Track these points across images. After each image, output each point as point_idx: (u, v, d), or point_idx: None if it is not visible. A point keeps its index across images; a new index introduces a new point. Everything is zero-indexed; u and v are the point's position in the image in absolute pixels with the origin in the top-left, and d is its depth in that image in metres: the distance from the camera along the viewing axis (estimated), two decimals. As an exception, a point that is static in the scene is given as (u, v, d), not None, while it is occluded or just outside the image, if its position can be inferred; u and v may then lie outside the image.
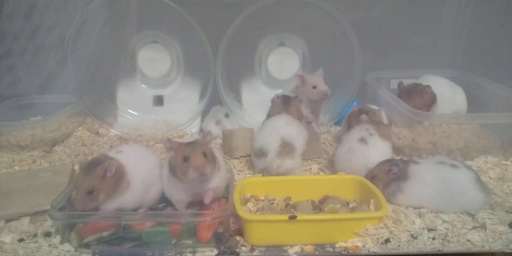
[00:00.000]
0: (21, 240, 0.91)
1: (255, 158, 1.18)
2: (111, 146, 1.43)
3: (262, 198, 1.03)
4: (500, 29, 1.60)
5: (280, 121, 1.19)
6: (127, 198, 0.94)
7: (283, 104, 1.23)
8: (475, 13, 1.70)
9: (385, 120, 1.24)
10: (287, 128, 1.18)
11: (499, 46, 1.61)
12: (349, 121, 1.26)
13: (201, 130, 1.58)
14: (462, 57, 1.75)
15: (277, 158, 1.13)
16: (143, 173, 0.98)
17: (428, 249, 0.87)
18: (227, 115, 1.52)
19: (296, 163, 1.16)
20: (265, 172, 1.16)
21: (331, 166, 1.27)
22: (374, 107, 1.29)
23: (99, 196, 0.90)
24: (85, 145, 1.45)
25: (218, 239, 0.89)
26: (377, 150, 1.13)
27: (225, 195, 1.02)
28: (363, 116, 1.20)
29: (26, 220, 0.97)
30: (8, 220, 0.97)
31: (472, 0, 1.69)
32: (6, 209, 0.99)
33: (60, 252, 0.87)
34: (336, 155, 1.18)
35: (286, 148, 1.14)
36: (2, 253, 0.87)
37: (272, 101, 1.25)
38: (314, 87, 1.30)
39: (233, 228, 0.94)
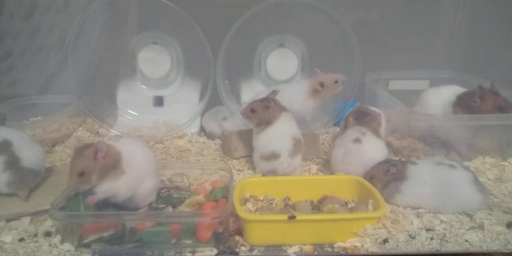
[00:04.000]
0: (21, 239, 0.91)
1: (263, 161, 1.17)
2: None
3: (261, 198, 1.03)
4: (498, 30, 1.61)
5: (285, 121, 1.19)
6: (121, 184, 0.93)
7: (279, 105, 1.22)
8: (473, 14, 1.71)
9: (383, 122, 1.24)
10: (293, 124, 1.20)
11: (497, 47, 1.62)
12: (347, 121, 1.26)
13: (201, 130, 1.59)
14: (459, 58, 1.76)
15: (289, 157, 1.15)
16: (139, 163, 0.97)
17: (426, 249, 0.88)
18: (225, 118, 1.53)
19: (301, 159, 1.20)
20: (272, 173, 1.16)
21: (330, 167, 1.28)
22: (374, 109, 1.30)
23: (91, 178, 0.90)
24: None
25: (217, 239, 0.90)
26: (373, 148, 1.14)
27: (225, 195, 1.02)
28: (350, 119, 1.22)
29: (26, 220, 0.98)
30: (9, 220, 0.98)
31: (470, 1, 1.70)
32: (7, 209, 0.99)
33: (60, 252, 0.87)
34: (333, 157, 1.18)
35: (298, 145, 1.16)
36: (2, 252, 0.87)
37: (267, 107, 1.18)
38: (336, 81, 1.34)
39: (233, 228, 0.94)
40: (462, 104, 1.27)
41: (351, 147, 1.14)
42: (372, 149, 1.13)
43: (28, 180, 1.05)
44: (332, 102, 1.43)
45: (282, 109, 1.21)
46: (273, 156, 1.15)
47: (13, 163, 1.03)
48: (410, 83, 1.65)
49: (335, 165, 1.17)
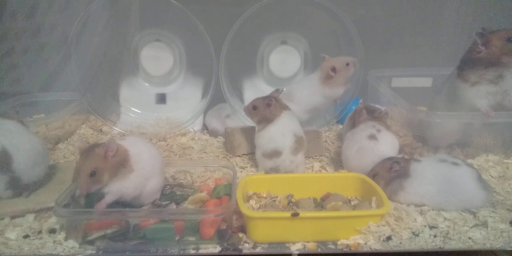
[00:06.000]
0: (26, 236, 0.92)
1: (265, 159, 1.17)
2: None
3: (264, 195, 1.04)
4: (501, 27, 1.60)
5: (286, 118, 1.19)
6: (129, 183, 0.94)
7: (281, 103, 1.23)
8: (476, 11, 1.70)
9: (389, 120, 1.24)
10: (295, 122, 1.20)
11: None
12: (353, 118, 1.25)
13: (204, 127, 1.59)
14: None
15: (291, 155, 1.15)
16: (146, 161, 0.98)
17: (430, 246, 0.88)
18: (228, 116, 1.53)
19: (304, 156, 1.19)
20: (274, 170, 1.16)
21: (333, 164, 1.28)
22: (378, 106, 1.29)
23: (102, 177, 0.90)
24: (88, 143, 1.46)
25: (221, 236, 0.90)
26: (388, 145, 1.13)
27: (228, 192, 1.03)
28: (364, 112, 1.20)
29: (31, 217, 0.98)
30: (13, 217, 0.98)
31: (473, -2, 1.70)
32: (11, 206, 1.00)
33: (64, 249, 0.88)
34: (345, 154, 1.17)
35: (299, 142, 1.16)
36: (7, 249, 0.88)
37: (268, 105, 1.18)
38: (347, 64, 1.36)
39: (236, 225, 0.94)
40: (468, 64, 1.20)
41: (366, 144, 1.12)
42: (387, 147, 1.12)
43: (30, 188, 1.05)
44: (344, 87, 1.41)
45: (284, 107, 1.21)
46: (275, 153, 1.15)
47: (15, 182, 1.01)
48: (413, 80, 1.64)
49: (347, 161, 1.16)
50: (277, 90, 1.25)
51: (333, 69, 1.35)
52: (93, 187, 0.90)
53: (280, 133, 1.17)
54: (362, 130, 1.16)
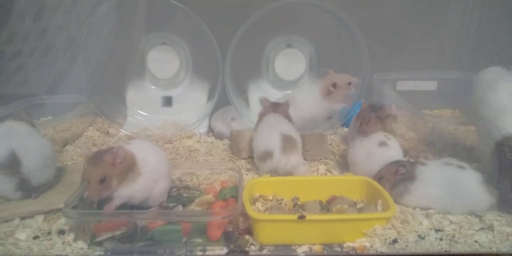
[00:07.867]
0: (36, 237, 0.93)
1: (260, 162, 1.18)
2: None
3: (270, 198, 1.04)
4: (507, 31, 1.60)
5: (272, 119, 1.25)
6: (137, 187, 0.95)
7: (272, 107, 1.29)
8: (482, 14, 1.71)
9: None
10: (281, 123, 1.23)
11: (505, 48, 1.61)
12: (360, 119, 1.23)
13: (209, 130, 1.60)
14: (468, 59, 1.76)
15: (283, 155, 1.14)
16: (153, 164, 0.99)
17: (436, 249, 0.88)
18: (233, 119, 1.54)
19: (300, 157, 1.19)
20: (273, 172, 1.17)
21: (338, 167, 1.29)
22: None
23: (112, 183, 0.91)
24: (95, 145, 1.48)
25: (227, 238, 0.91)
26: (397, 151, 1.13)
27: (234, 194, 1.03)
28: (369, 110, 1.20)
29: (40, 218, 0.99)
30: (23, 218, 0.99)
31: (479, 1, 1.70)
32: (21, 207, 1.01)
33: (73, 250, 0.89)
34: (352, 160, 1.17)
35: (288, 142, 1.16)
36: (18, 249, 0.89)
37: (261, 103, 1.32)
38: (349, 83, 1.39)
39: (242, 227, 0.95)
40: None
41: (376, 150, 1.12)
42: (396, 153, 1.13)
43: (39, 190, 1.07)
44: (343, 103, 1.45)
45: (274, 110, 1.28)
46: (267, 155, 1.15)
47: (24, 184, 1.03)
48: (418, 83, 1.65)
49: (355, 167, 1.16)
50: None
51: (334, 85, 1.39)
52: (103, 193, 0.91)
53: (266, 133, 1.19)
54: (372, 138, 1.16)
